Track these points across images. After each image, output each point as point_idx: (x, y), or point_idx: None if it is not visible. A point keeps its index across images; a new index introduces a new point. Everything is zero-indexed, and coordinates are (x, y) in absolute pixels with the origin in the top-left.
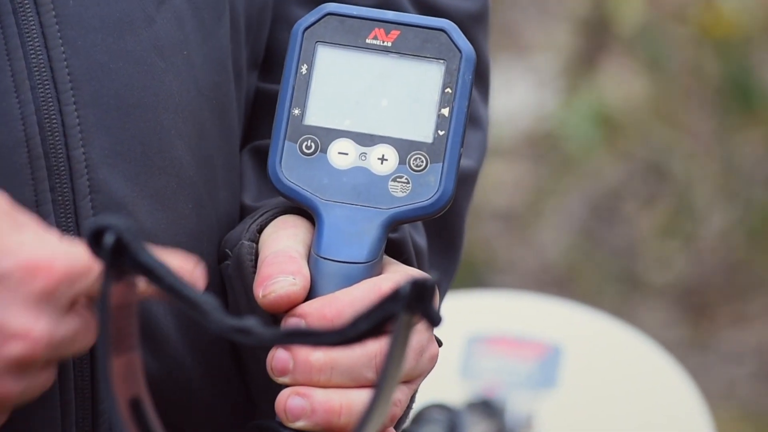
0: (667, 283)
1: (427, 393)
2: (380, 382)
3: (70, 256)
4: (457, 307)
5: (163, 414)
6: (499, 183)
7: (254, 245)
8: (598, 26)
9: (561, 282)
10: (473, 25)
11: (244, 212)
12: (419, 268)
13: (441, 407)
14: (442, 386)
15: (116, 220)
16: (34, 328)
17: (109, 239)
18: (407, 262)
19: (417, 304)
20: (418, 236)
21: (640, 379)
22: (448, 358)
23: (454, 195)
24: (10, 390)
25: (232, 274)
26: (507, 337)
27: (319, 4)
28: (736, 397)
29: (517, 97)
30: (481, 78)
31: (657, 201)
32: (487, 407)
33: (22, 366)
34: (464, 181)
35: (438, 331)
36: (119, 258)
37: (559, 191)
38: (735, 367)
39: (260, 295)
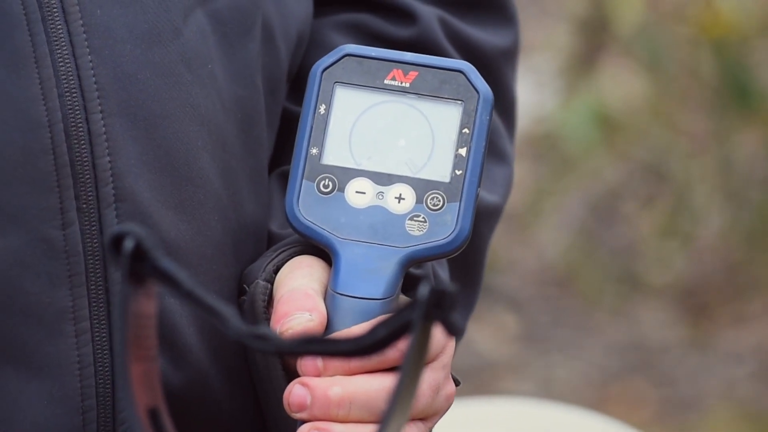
0: (666, 283)
1: None
2: (397, 388)
3: None
4: (467, 416)
5: (186, 425)
6: None
7: (269, 285)
8: (597, 26)
9: (561, 282)
10: (504, 61)
11: (271, 240)
12: None
13: None
14: None
15: (136, 227)
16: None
17: (128, 245)
18: None
19: (435, 311)
20: (441, 271)
21: None
22: None
23: (471, 233)
24: None
25: (246, 310)
26: None
27: (354, 32)
28: (736, 397)
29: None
30: (507, 114)
31: (656, 201)
32: None
33: None
34: (489, 217)
35: None
36: (139, 265)
37: (559, 191)
38: (735, 367)
39: (278, 332)
